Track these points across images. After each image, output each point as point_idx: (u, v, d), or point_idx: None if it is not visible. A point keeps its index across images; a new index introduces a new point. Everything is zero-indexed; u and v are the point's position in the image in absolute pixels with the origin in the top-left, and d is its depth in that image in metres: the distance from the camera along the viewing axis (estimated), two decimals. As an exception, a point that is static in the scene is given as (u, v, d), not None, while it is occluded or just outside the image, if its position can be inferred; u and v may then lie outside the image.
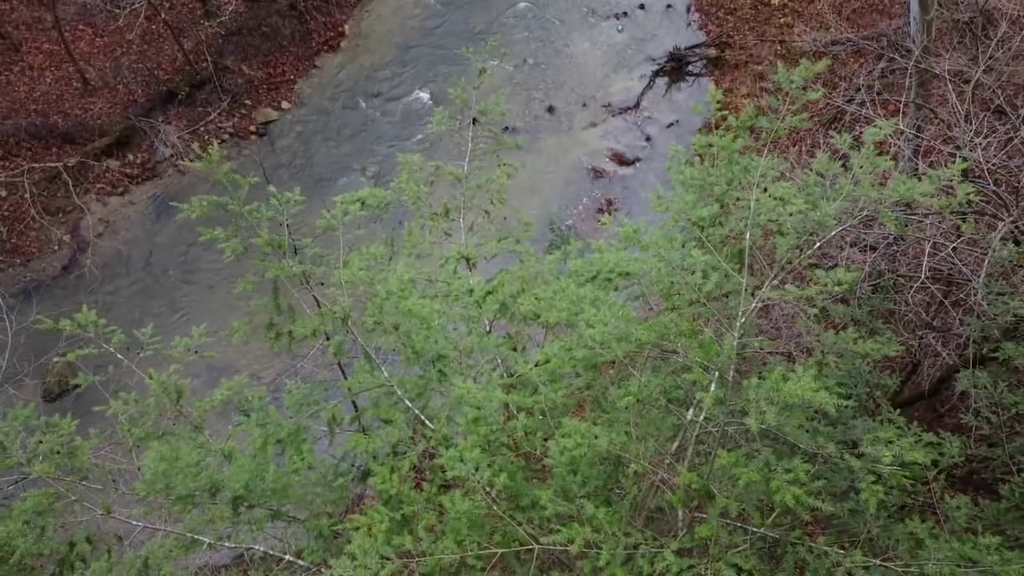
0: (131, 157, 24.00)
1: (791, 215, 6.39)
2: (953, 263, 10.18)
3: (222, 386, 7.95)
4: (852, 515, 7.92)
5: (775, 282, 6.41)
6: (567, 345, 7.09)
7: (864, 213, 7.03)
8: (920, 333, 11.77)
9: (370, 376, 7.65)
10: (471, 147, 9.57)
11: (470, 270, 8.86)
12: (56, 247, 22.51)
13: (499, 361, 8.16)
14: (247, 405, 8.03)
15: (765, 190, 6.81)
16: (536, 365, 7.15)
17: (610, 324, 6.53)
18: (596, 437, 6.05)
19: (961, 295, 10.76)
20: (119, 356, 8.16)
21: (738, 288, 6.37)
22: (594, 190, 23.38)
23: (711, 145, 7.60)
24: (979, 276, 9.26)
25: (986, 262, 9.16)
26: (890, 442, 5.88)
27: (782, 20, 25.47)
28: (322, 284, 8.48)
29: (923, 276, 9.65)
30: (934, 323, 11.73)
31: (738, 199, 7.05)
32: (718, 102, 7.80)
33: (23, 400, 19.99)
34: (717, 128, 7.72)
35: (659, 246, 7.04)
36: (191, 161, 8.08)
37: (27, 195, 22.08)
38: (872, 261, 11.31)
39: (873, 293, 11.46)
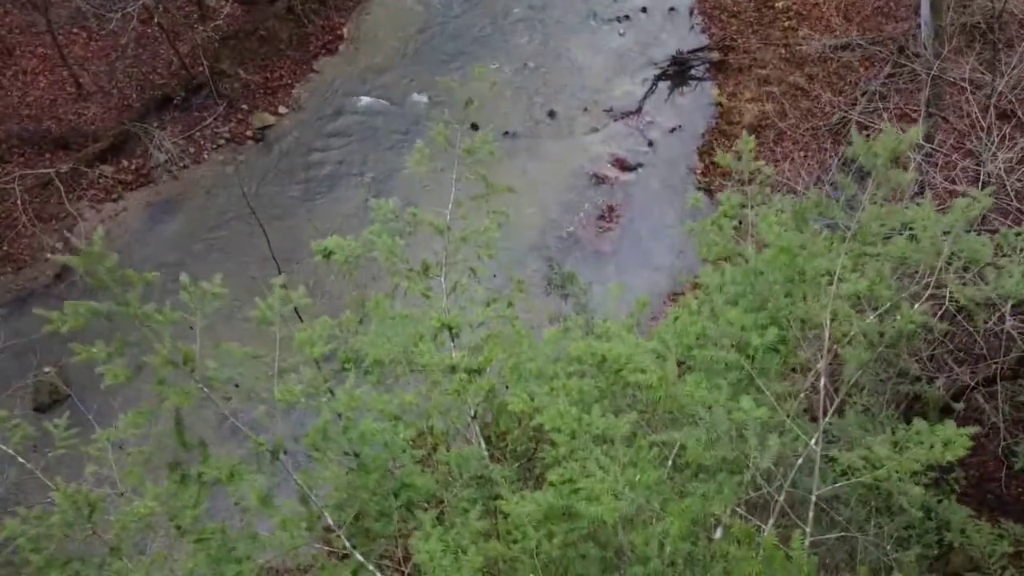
0: (125, 163, 23.62)
1: (866, 322, 5.25)
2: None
3: (147, 492, 6.54)
4: None
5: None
6: (566, 493, 5.54)
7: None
8: (936, 350, 11.42)
9: (307, 531, 6.27)
10: (454, 192, 8.18)
11: (452, 341, 7.48)
12: (48, 255, 22.10)
13: (484, 474, 6.70)
14: (180, 517, 6.47)
15: (837, 283, 5.46)
16: (527, 501, 5.72)
17: (624, 498, 5.04)
18: None
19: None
20: (21, 460, 6.88)
21: (811, 456, 4.94)
22: (596, 196, 23.00)
23: (744, 206, 6.49)
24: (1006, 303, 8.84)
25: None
26: None
27: (786, 23, 25.09)
28: (250, 399, 6.79)
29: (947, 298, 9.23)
30: (951, 340, 11.37)
31: (803, 321, 5.57)
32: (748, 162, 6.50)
33: (14, 410, 19.64)
34: (749, 183, 6.51)
35: (697, 398, 5.37)
36: (61, 256, 6.27)
37: (18, 202, 21.68)
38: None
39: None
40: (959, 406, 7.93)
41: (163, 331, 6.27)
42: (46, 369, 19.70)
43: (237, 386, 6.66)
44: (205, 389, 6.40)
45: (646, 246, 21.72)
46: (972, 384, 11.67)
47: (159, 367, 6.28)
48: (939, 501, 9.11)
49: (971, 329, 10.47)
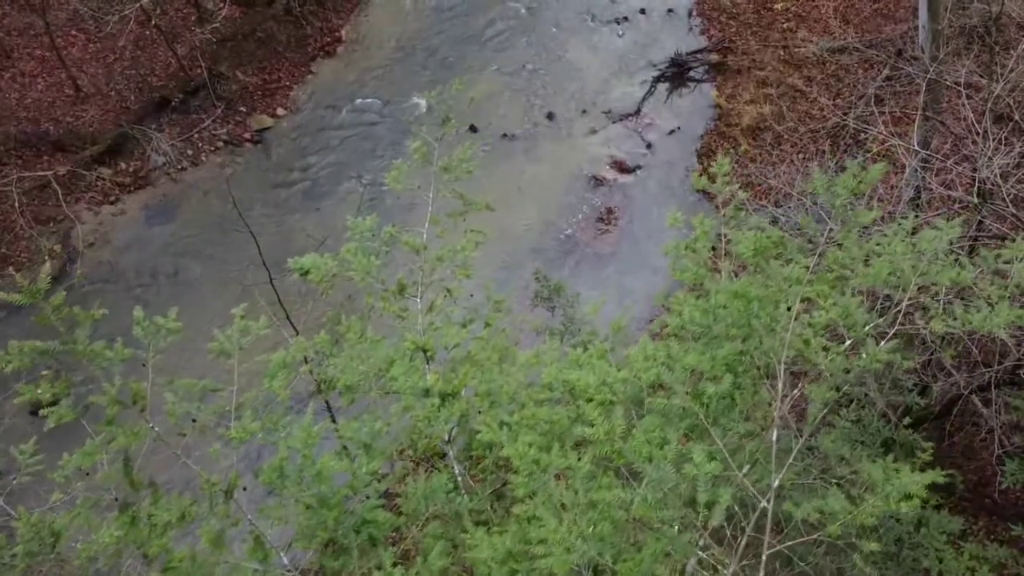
0: (123, 165, 23.58)
1: (830, 359, 5.13)
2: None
3: (113, 520, 6.27)
4: None
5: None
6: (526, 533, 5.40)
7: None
8: (933, 354, 11.37)
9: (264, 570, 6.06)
10: (431, 210, 8.00)
11: (427, 363, 7.22)
12: (46, 257, 22.06)
13: (450, 508, 6.54)
14: (146, 546, 6.18)
15: (803, 317, 5.36)
16: (486, 545, 5.56)
17: (575, 551, 4.88)
18: None
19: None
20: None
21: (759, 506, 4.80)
22: (594, 198, 22.98)
23: (722, 231, 6.32)
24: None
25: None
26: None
27: (785, 25, 25.05)
28: (203, 432, 6.47)
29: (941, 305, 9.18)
30: (949, 344, 11.31)
31: (758, 369, 5.48)
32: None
33: (9, 414, 19.59)
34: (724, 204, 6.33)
35: (645, 453, 5.14)
36: (5, 293, 6.06)
37: (16, 204, 21.64)
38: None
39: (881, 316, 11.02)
40: (928, 445, 7.89)
41: (111, 369, 5.96)
42: (43, 371, 19.64)
43: (194, 421, 6.43)
44: (156, 429, 6.09)
45: (645, 248, 21.68)
46: (968, 390, 11.63)
47: (108, 404, 5.99)
48: (937, 508, 9.05)
49: (965, 337, 10.43)
